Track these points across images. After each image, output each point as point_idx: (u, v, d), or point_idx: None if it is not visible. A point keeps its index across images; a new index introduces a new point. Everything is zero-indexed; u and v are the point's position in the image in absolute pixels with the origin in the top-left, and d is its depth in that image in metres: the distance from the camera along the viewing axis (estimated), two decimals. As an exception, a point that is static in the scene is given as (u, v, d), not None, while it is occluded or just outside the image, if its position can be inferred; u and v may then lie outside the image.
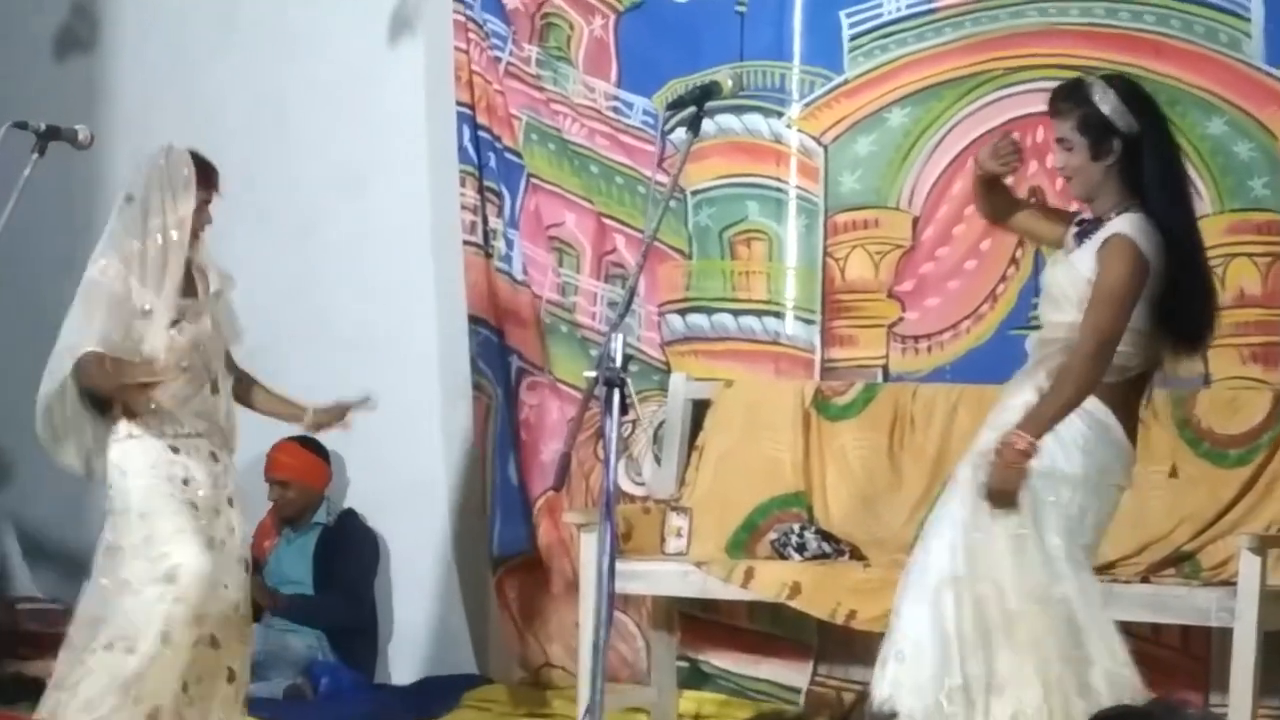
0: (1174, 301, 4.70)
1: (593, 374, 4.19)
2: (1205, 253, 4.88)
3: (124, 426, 5.60)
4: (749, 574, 6.07)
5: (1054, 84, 6.30)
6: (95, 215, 8.07)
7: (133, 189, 5.59)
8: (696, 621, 6.69)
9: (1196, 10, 6.24)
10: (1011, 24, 6.52)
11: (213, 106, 7.74)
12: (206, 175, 5.69)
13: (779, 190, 6.84)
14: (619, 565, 4.39)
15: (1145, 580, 5.81)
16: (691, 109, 4.48)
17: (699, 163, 6.78)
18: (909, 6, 6.62)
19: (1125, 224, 4.68)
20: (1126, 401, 4.77)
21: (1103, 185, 4.75)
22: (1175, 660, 6.07)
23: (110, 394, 5.57)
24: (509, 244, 7.17)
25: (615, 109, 7.08)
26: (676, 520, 6.41)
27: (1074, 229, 4.83)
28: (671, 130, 4.67)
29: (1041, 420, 4.65)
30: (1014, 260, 6.44)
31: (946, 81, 6.58)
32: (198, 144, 7.56)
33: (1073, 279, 4.73)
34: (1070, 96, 4.78)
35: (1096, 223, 4.75)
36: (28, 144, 5.25)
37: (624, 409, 4.19)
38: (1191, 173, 6.19)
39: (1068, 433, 4.68)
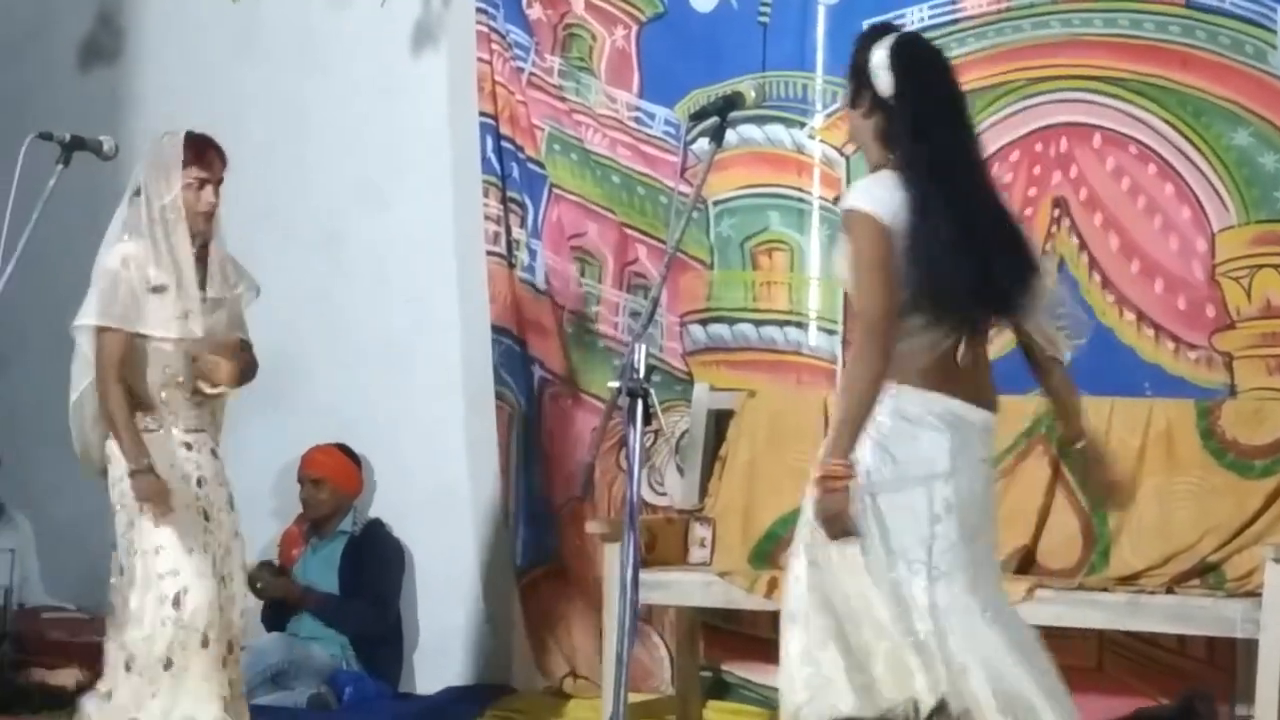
0: (951, 258, 4.30)
1: (616, 384, 4.18)
2: (990, 200, 4.48)
3: (139, 418, 5.59)
4: (772, 584, 6.06)
5: (1078, 95, 6.41)
6: (119, 225, 8.12)
7: (136, 179, 5.59)
8: (720, 632, 6.68)
9: (1222, 21, 6.23)
10: (1035, 34, 6.51)
11: (236, 117, 7.74)
12: (200, 153, 5.64)
13: (801, 200, 6.84)
14: (642, 575, 4.38)
15: (1170, 591, 5.81)
16: (714, 119, 4.47)
17: (721, 173, 6.78)
18: (932, 17, 6.61)
19: (854, 192, 4.44)
20: (949, 374, 4.38)
21: (860, 136, 4.51)
22: (1201, 671, 6.07)
23: (100, 390, 5.56)
24: (532, 254, 7.18)
25: (637, 119, 7.08)
26: (700, 530, 6.41)
27: None
28: (694, 141, 4.65)
29: (840, 438, 4.31)
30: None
31: (970, 92, 6.51)
32: (222, 154, 7.60)
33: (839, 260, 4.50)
34: (858, 42, 4.53)
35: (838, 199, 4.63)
36: (52, 155, 5.25)
37: (647, 419, 4.18)
38: (1217, 184, 6.22)
39: (875, 434, 4.32)
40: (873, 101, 4.42)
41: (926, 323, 4.34)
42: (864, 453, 4.31)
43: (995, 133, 6.49)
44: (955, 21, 6.60)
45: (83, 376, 5.66)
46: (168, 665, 5.46)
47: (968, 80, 6.49)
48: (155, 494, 5.51)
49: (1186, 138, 6.30)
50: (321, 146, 7.70)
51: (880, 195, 4.33)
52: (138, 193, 5.59)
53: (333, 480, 7.30)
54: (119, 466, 5.58)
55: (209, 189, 5.65)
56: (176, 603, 5.47)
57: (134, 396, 5.59)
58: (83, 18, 8.22)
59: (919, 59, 4.49)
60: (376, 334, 7.54)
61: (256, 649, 6.89)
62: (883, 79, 4.41)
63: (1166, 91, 6.31)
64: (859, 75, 4.45)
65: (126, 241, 5.63)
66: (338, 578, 7.22)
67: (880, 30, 4.54)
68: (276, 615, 7.24)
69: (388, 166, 7.57)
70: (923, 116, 4.40)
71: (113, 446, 5.59)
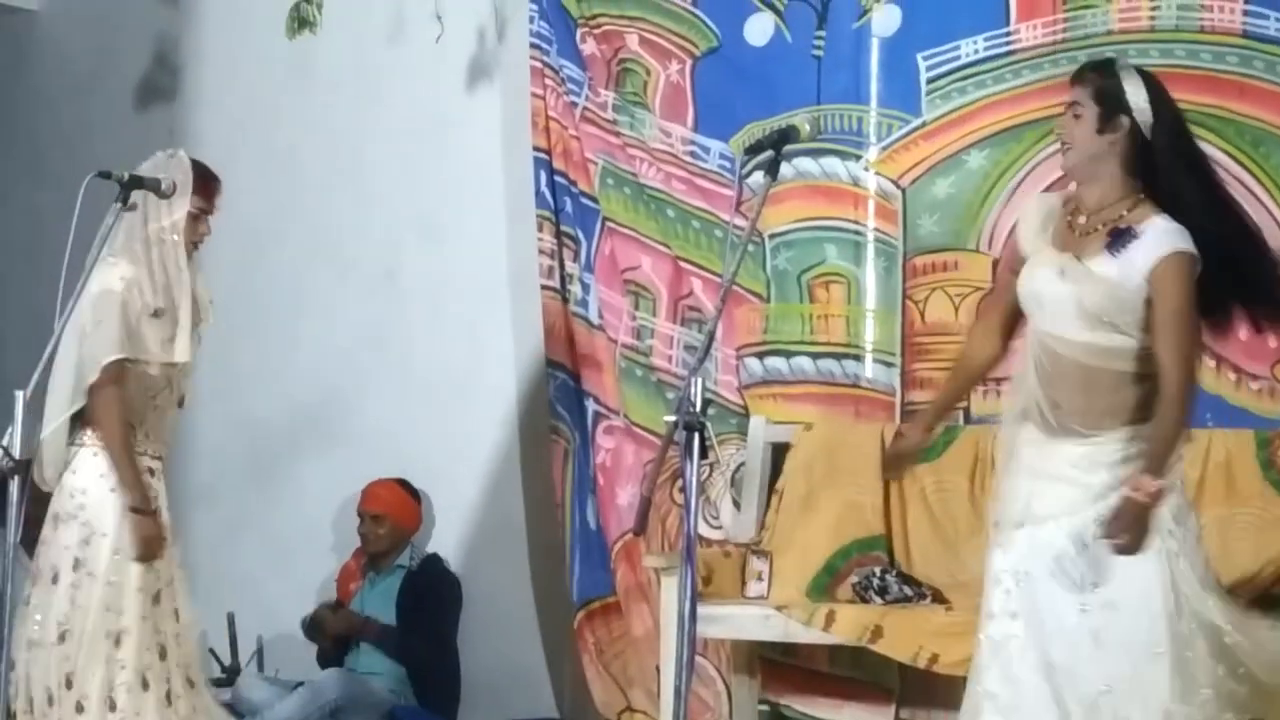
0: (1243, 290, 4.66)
1: (672, 418, 4.18)
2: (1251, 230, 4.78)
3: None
4: (830, 617, 6.04)
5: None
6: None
7: (135, 196, 5.46)
8: (777, 666, 6.65)
9: (1279, 52, 6.21)
10: (1091, 66, 6.49)
11: (292, 154, 7.81)
12: (205, 185, 5.70)
13: (857, 233, 6.82)
14: (699, 609, 4.37)
15: (1232, 623, 5.76)
16: (769, 153, 4.47)
17: (777, 206, 6.78)
18: (987, 49, 6.60)
19: (1173, 236, 4.57)
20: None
21: (1099, 163, 4.64)
22: (1263, 704, 6.01)
23: (109, 423, 5.50)
24: (585, 288, 7.18)
25: (692, 153, 7.08)
26: (757, 564, 6.39)
27: (1105, 238, 4.63)
28: (749, 174, 4.65)
29: (1159, 459, 4.57)
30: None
31: (1026, 123, 6.56)
32: (277, 191, 7.68)
33: (1115, 296, 4.58)
34: (1098, 67, 4.73)
35: (1127, 232, 4.60)
36: (111, 193, 5.28)
37: (704, 453, 4.18)
38: (1276, 212, 6.19)
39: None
40: (1129, 130, 4.60)
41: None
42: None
43: (1051, 164, 6.43)
44: (1011, 53, 6.59)
45: (65, 407, 5.54)
46: (112, 707, 5.41)
47: (1024, 111, 6.54)
48: (155, 538, 5.50)
49: (1245, 168, 6.26)
50: (377, 182, 7.74)
51: (1188, 237, 4.55)
52: (130, 208, 5.41)
53: (393, 516, 7.30)
54: (87, 479, 5.50)
55: (205, 221, 5.70)
56: (117, 641, 5.44)
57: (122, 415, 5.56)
58: (140, 58, 8.29)
59: (1171, 102, 4.71)
60: (433, 368, 7.56)
61: (315, 685, 6.90)
62: (1139, 107, 4.60)
63: (1224, 122, 6.28)
64: (1112, 100, 4.61)
65: (117, 263, 5.57)
66: (395, 612, 7.23)
67: (1112, 59, 4.80)
68: (335, 650, 7.24)
69: (443, 201, 7.60)
70: (1184, 151, 4.65)
71: (84, 456, 5.53)
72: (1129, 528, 4.54)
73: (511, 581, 7.40)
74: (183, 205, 5.63)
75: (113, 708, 5.41)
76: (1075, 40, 6.50)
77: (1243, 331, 6.12)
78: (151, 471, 5.62)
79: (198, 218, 5.68)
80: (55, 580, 5.49)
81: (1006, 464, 4.78)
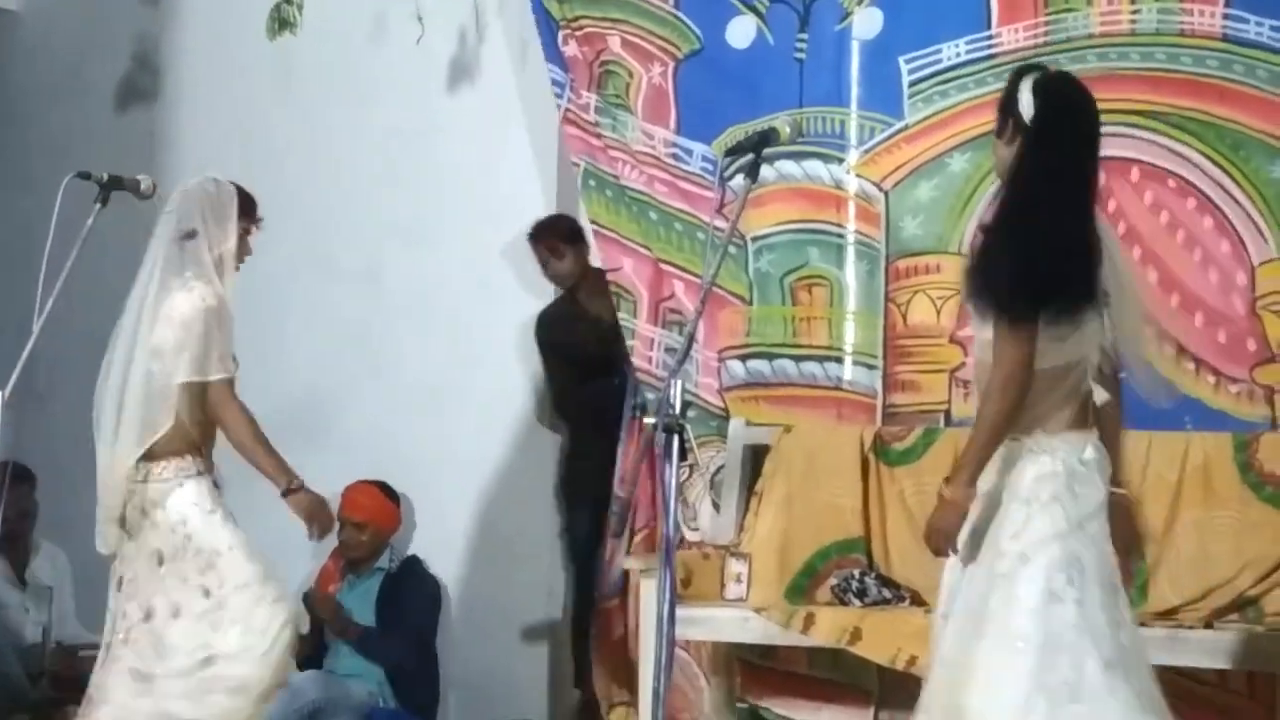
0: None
1: (652, 420, 4.17)
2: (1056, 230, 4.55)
3: (192, 461, 5.67)
4: (809, 620, 6.05)
5: (1116, 129, 6.38)
6: (158, 264, 8.16)
7: (187, 221, 5.67)
8: (756, 668, 6.66)
9: (1260, 55, 6.21)
10: (1072, 69, 6.45)
11: (273, 155, 7.79)
12: (246, 203, 5.83)
13: (839, 236, 6.82)
14: (678, 611, 4.37)
15: (1209, 626, 5.77)
16: (750, 155, 4.47)
17: (759, 209, 6.78)
18: (968, 52, 6.61)
19: None
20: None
21: (1006, 171, 4.61)
22: (1241, 706, 6.02)
23: (243, 432, 5.69)
24: (568, 291, 7.19)
25: (674, 155, 7.08)
26: (736, 566, 6.38)
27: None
28: (730, 177, 4.65)
29: (965, 463, 4.54)
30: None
31: (1006, 127, 6.56)
32: (260, 193, 7.64)
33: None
34: (1014, 74, 4.66)
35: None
36: (90, 194, 5.28)
37: (683, 455, 4.18)
38: (1256, 217, 6.19)
39: None
40: (1019, 135, 4.56)
41: None
42: None
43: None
44: (992, 56, 6.60)
45: (140, 438, 5.72)
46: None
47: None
48: (318, 507, 5.73)
49: (1225, 171, 6.27)
50: (359, 183, 7.73)
51: None
52: (190, 235, 5.68)
53: (375, 523, 7.30)
54: (183, 509, 5.62)
55: (247, 240, 5.86)
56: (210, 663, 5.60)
57: (192, 438, 5.67)
58: (120, 59, 8.28)
59: (1067, 100, 4.62)
60: (416, 371, 7.56)
61: (294, 686, 6.88)
62: (1027, 112, 4.54)
63: (1204, 125, 6.29)
64: (1005, 108, 4.58)
65: (198, 283, 5.71)
66: (374, 614, 7.22)
67: (1026, 66, 4.71)
68: (311, 653, 7.24)
69: (426, 204, 7.59)
70: (1053, 150, 4.55)
71: (166, 490, 5.65)
72: (931, 529, 4.52)
73: (493, 584, 7.39)
74: (233, 229, 5.79)
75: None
76: (1056, 43, 6.51)
77: (1221, 334, 6.21)
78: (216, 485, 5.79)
79: (245, 235, 5.83)
80: (177, 615, 5.63)
81: None
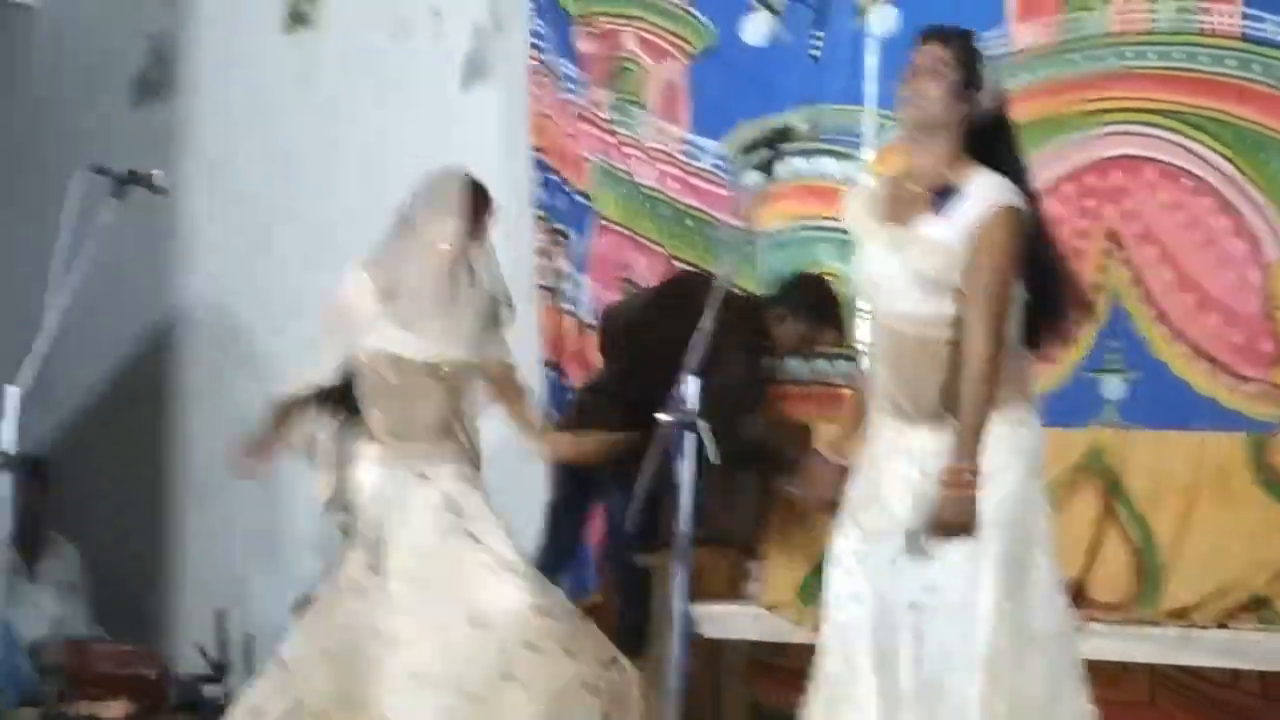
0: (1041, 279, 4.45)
1: (667, 417, 4.17)
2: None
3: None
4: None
5: (1132, 128, 6.38)
6: (172, 259, 8.17)
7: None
8: (768, 666, 6.66)
9: (1278, 55, 6.20)
10: (1089, 67, 6.49)
11: (289, 151, 7.80)
12: (473, 201, 5.75)
13: (851, 234, 6.80)
14: (692, 609, 4.37)
15: (1223, 626, 5.77)
16: (765, 152, 4.47)
17: (771, 206, 6.77)
18: (984, 50, 6.59)
19: (1001, 190, 4.38)
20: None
21: (943, 129, 4.44)
22: (1255, 706, 6.02)
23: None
24: (578, 287, 7.18)
25: (687, 152, 7.08)
26: (749, 564, 6.38)
27: (929, 198, 4.42)
28: (743, 174, 4.63)
29: (965, 446, 4.36)
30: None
31: (1023, 124, 6.52)
32: (274, 189, 7.68)
33: (950, 254, 4.35)
34: (960, 35, 4.54)
35: (951, 190, 4.39)
36: (106, 189, 5.28)
37: (698, 452, 4.18)
38: (1273, 217, 6.19)
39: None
40: (974, 108, 4.46)
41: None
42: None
43: (1047, 166, 6.45)
44: (1008, 53, 6.58)
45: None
46: None
47: (1020, 113, 6.50)
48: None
49: (1242, 171, 6.26)
50: (375, 179, 7.72)
51: (1020, 196, 4.40)
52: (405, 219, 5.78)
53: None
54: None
55: (479, 236, 5.84)
56: None
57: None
58: (136, 53, 8.29)
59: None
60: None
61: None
62: (992, 89, 4.49)
63: (1222, 125, 6.28)
64: (972, 71, 4.47)
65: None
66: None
67: (971, 33, 4.58)
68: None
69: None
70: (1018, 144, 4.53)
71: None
72: (951, 523, 4.36)
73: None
74: (448, 220, 5.73)
75: None
76: (1074, 41, 6.51)
77: (1236, 334, 6.20)
78: None
79: (472, 233, 5.76)
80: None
81: (864, 452, 4.57)
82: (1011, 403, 4.42)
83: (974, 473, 4.32)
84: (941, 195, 4.39)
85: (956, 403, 4.37)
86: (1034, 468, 4.47)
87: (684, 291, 6.52)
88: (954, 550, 4.35)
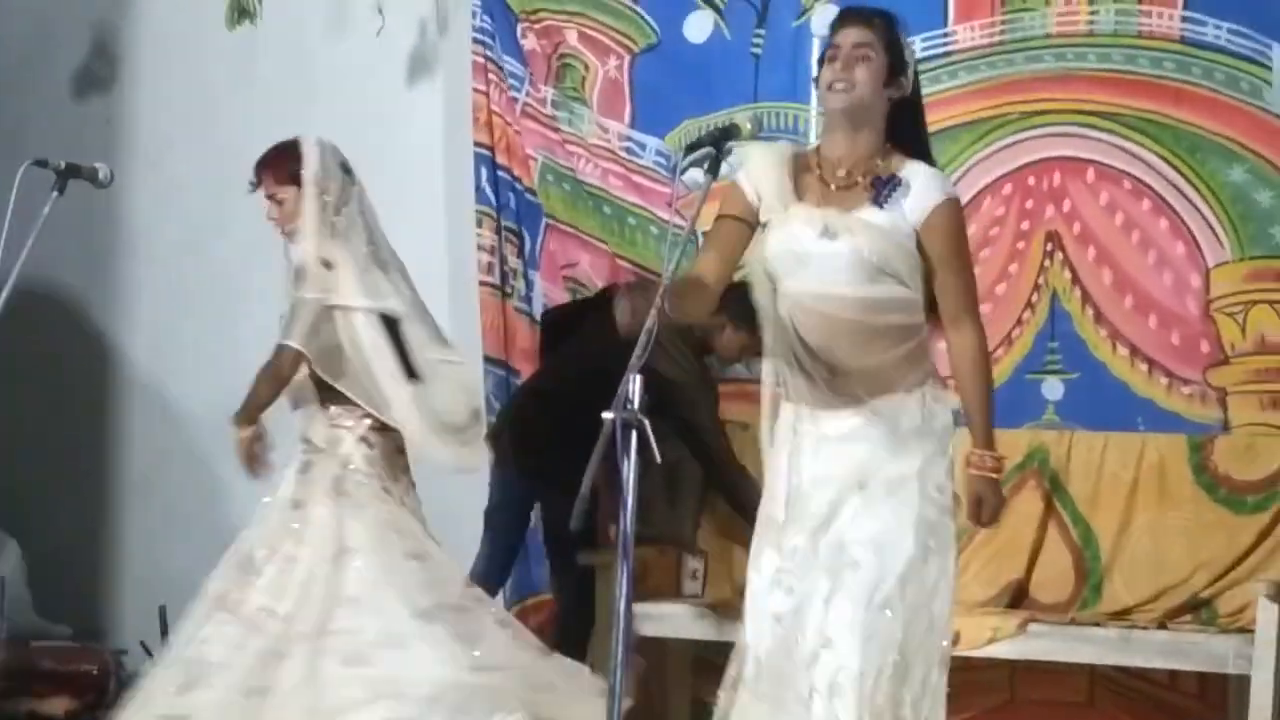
0: None
1: (610, 415, 4.16)
2: None
3: None
4: (765, 617, 6.04)
5: (1072, 129, 6.40)
6: (114, 253, 8.12)
7: None
8: (712, 666, 6.65)
9: (1217, 58, 6.24)
10: (1028, 68, 6.52)
11: (231, 145, 7.74)
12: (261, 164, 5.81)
13: (794, 232, 6.81)
14: (635, 607, 4.36)
15: (1162, 627, 5.81)
16: (707, 150, 4.46)
17: (713, 205, 6.73)
18: (925, 49, 6.61)
19: (943, 182, 4.43)
20: None
21: (872, 114, 4.37)
22: (1193, 707, 6.06)
23: None
24: (529, 284, 7.17)
25: (628, 149, 7.08)
26: (692, 563, 6.39)
27: (868, 189, 4.36)
28: (684, 171, 4.61)
29: (986, 426, 4.43)
30: (1030, 304, 6.43)
31: (962, 124, 6.58)
32: (216, 183, 7.63)
33: (894, 242, 4.32)
34: (882, 15, 4.45)
35: (891, 180, 4.34)
36: (47, 182, 5.23)
37: (642, 450, 4.17)
38: (1211, 219, 6.23)
39: None
40: (897, 84, 4.40)
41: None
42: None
43: (987, 166, 6.50)
44: (948, 54, 6.61)
45: None
46: None
47: (960, 113, 6.56)
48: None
49: (1181, 173, 6.30)
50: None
51: None
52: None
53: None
54: None
55: (270, 205, 5.83)
56: None
57: None
58: (78, 46, 8.23)
59: None
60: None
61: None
62: (914, 76, 4.45)
63: (1161, 127, 6.32)
64: (898, 56, 4.40)
65: None
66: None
67: (894, 18, 4.49)
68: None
69: (382, 195, 7.54)
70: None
71: None
72: (991, 505, 4.40)
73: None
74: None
75: None
76: (1013, 42, 6.54)
77: (1175, 336, 6.25)
78: None
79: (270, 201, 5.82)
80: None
81: (778, 451, 4.49)
82: (931, 382, 4.43)
83: (1001, 458, 4.41)
84: (883, 185, 4.36)
85: (896, 382, 4.36)
86: (945, 444, 4.43)
87: (618, 295, 6.56)
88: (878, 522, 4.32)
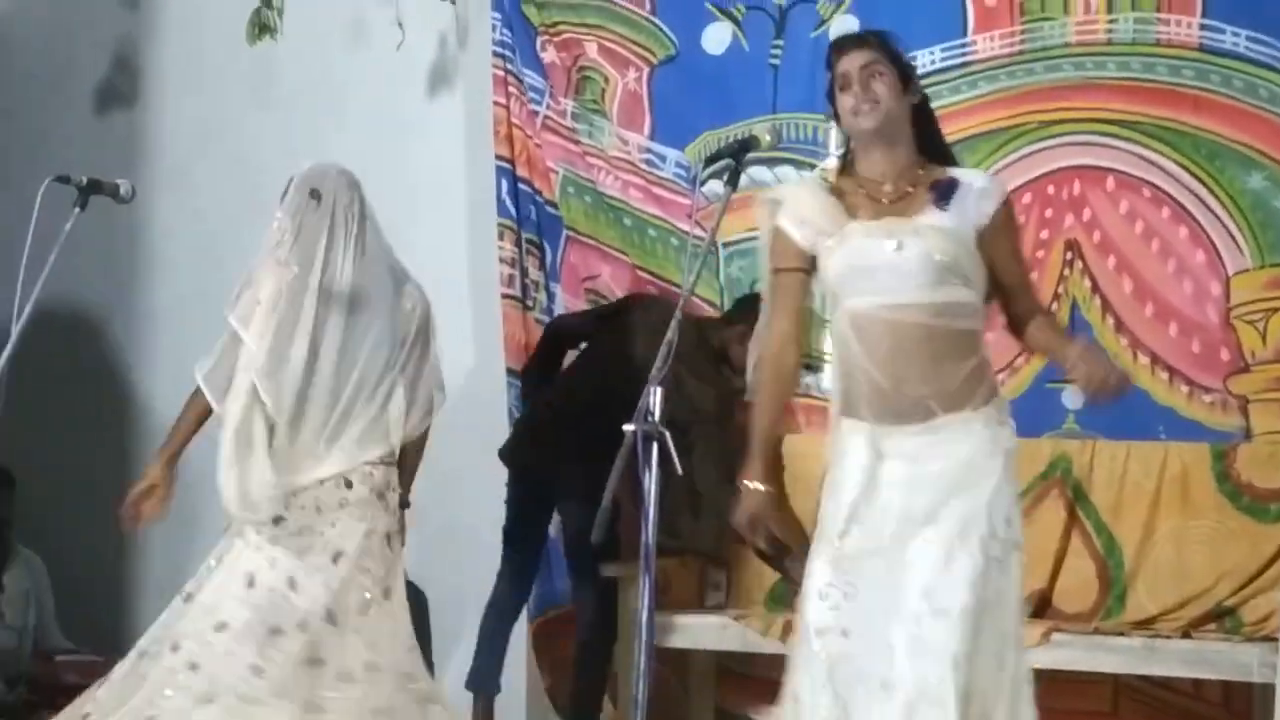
0: None
1: (631, 427, 4.17)
2: None
3: None
4: (788, 627, 6.00)
5: (1091, 138, 6.41)
6: (135, 268, 8.15)
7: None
8: (736, 676, 6.66)
9: (1236, 65, 6.25)
10: (1048, 78, 6.53)
11: (253, 159, 7.78)
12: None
13: (813, 243, 6.82)
14: (658, 618, 4.37)
15: (1186, 636, 5.80)
16: (727, 161, 4.47)
17: (731, 215, 6.72)
18: (944, 59, 6.63)
19: (999, 183, 4.54)
20: None
21: (901, 125, 4.40)
22: (1217, 716, 6.06)
23: None
24: (550, 296, 7.19)
25: (648, 161, 7.10)
26: (715, 574, 6.39)
27: (928, 194, 4.37)
28: (704, 182, 4.62)
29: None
30: (1050, 312, 6.43)
31: (981, 134, 6.59)
32: (237, 197, 7.64)
33: (962, 243, 4.32)
34: (877, 35, 4.51)
35: (949, 184, 4.36)
36: (69, 198, 5.25)
37: (664, 462, 4.18)
38: (1231, 227, 6.22)
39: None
40: (912, 91, 4.44)
41: None
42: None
43: (1007, 175, 6.48)
44: (967, 64, 6.62)
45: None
46: None
47: (979, 123, 6.57)
48: None
49: (1201, 181, 6.31)
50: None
51: None
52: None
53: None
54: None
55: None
56: None
57: None
58: (100, 62, 8.27)
59: None
60: (391, 375, 7.53)
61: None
62: (918, 81, 4.49)
63: (1180, 135, 6.32)
64: (905, 66, 4.46)
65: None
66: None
67: (887, 33, 4.55)
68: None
69: (403, 209, 7.56)
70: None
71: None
72: (1105, 365, 4.34)
73: (469, 592, 7.37)
74: None
75: None
76: (1032, 52, 6.54)
77: (1195, 344, 6.24)
78: None
79: None
80: (388, 596, 5.73)
81: (839, 465, 4.42)
82: (995, 400, 4.39)
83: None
84: (944, 187, 4.36)
85: (963, 398, 4.31)
86: (1011, 468, 4.38)
87: (632, 308, 6.56)
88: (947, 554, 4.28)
